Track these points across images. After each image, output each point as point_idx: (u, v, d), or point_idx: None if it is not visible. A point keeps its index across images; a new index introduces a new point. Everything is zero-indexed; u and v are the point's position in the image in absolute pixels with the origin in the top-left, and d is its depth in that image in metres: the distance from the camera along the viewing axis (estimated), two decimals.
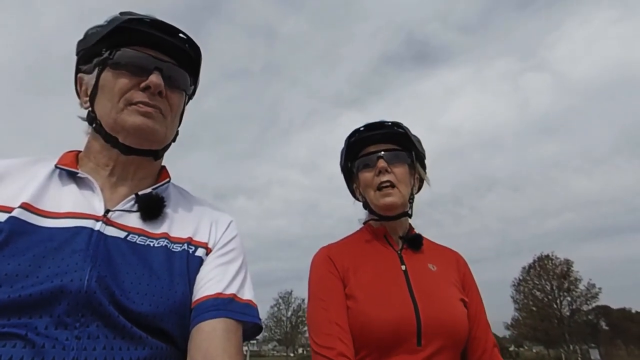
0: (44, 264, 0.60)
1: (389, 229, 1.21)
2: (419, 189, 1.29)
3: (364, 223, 1.28)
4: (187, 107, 0.90)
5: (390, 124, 1.21)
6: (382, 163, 1.16)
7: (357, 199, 1.30)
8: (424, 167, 1.27)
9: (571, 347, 35.72)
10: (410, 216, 1.21)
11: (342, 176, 1.33)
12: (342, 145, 1.27)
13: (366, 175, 1.19)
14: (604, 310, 35.44)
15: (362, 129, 1.23)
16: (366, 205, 1.23)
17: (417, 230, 1.26)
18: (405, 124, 1.24)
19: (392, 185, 1.14)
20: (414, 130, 1.26)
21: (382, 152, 1.18)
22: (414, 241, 1.19)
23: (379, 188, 1.15)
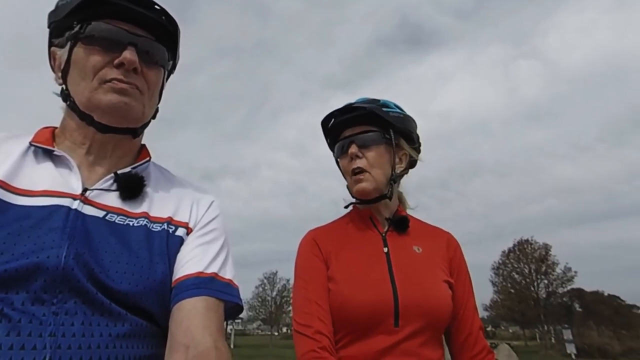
0: (19, 241, 0.59)
1: (374, 211, 1.21)
2: (411, 165, 1.26)
3: (345, 207, 1.27)
4: (168, 83, 0.88)
5: (359, 105, 1.18)
6: (353, 149, 1.14)
7: None
8: (412, 142, 1.23)
9: (545, 328, 37.15)
10: (390, 198, 1.19)
11: (332, 158, 1.31)
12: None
13: (343, 162, 1.20)
14: (578, 293, 36.79)
15: (336, 112, 1.21)
16: (349, 190, 1.23)
17: (409, 211, 1.26)
18: None
19: (364, 171, 1.13)
20: None
21: (354, 137, 1.16)
22: (400, 223, 1.18)
23: (354, 173, 1.15)
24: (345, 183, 1.25)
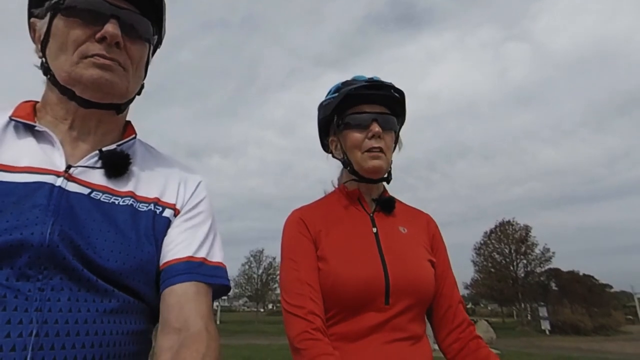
0: (1, 217, 0.58)
1: (363, 192, 1.22)
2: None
3: (336, 185, 1.27)
4: (154, 59, 0.85)
5: (388, 85, 1.18)
6: (377, 127, 1.13)
7: (330, 153, 1.28)
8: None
9: (522, 305, 38.59)
10: (388, 181, 1.22)
11: (316, 130, 1.29)
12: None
13: (356, 136, 1.16)
14: (555, 273, 37.97)
15: (362, 83, 1.18)
16: (347, 164, 1.20)
17: (390, 193, 1.27)
18: None
19: (382, 151, 1.14)
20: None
21: (377, 116, 1.15)
22: (387, 204, 1.21)
23: (368, 151, 1.14)
24: (331, 159, 1.25)
